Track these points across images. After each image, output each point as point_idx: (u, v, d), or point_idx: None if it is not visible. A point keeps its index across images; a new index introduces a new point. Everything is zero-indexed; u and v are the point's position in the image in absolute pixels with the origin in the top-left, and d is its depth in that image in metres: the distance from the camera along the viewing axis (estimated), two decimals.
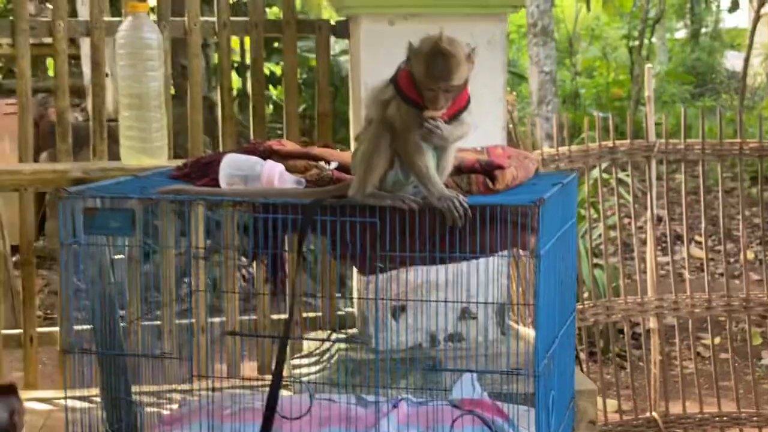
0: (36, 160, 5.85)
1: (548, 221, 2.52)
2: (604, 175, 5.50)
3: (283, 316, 3.98)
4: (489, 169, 2.69)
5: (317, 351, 3.84)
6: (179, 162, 3.09)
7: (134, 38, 3.41)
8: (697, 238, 8.59)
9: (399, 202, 2.47)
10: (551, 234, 2.59)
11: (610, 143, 4.79)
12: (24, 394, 3.93)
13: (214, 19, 3.97)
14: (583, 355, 5.05)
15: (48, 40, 3.90)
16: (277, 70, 10.21)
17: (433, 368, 2.61)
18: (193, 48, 3.95)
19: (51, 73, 8.60)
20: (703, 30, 18.32)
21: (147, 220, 2.97)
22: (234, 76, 9.89)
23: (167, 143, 3.59)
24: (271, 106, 10.00)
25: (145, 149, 3.45)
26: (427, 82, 2.39)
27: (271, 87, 10.10)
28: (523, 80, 14.36)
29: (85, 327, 3.00)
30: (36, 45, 4.67)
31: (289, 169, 2.79)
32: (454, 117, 2.46)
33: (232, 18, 4.00)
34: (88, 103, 4.05)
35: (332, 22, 4.05)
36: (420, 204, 2.47)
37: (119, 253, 3.33)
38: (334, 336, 3.74)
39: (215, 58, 9.32)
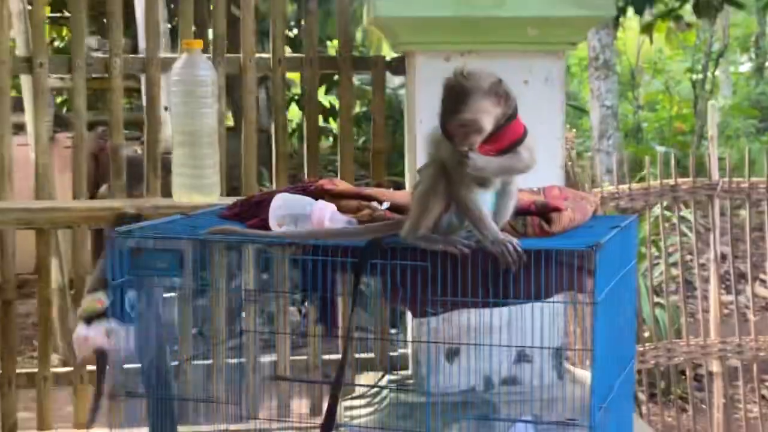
0: (94, 194, 5.88)
1: (605, 265, 2.43)
2: (666, 213, 5.39)
3: (335, 357, 3.91)
4: (545, 211, 2.62)
5: (369, 393, 3.77)
6: (231, 200, 3.05)
7: (188, 75, 3.39)
8: (761, 276, 8.39)
9: (450, 246, 2.40)
10: (609, 279, 2.50)
11: (671, 181, 4.70)
12: None
13: (269, 55, 3.94)
14: (643, 397, 4.94)
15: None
16: (338, 104, 10.22)
17: (485, 418, 2.54)
18: (248, 85, 3.92)
19: None
20: None
21: (203, 255, 2.93)
22: (295, 108, 9.93)
23: (219, 180, 3.55)
24: (330, 139, 9.99)
25: (197, 186, 3.42)
26: (443, 117, 2.33)
27: (331, 120, 10.09)
28: (584, 114, 14.24)
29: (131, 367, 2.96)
30: (97, 78, 4.67)
31: (340, 209, 2.74)
32: (505, 151, 2.38)
33: (287, 54, 3.97)
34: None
35: (388, 59, 4.00)
36: (472, 248, 2.40)
37: (170, 291, 3.30)
38: (385, 381, 3.66)
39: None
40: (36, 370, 3.93)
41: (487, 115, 2.33)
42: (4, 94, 3.83)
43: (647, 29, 10.54)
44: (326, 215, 2.67)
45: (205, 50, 3.56)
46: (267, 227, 2.72)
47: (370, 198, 2.79)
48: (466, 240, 2.44)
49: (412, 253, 2.46)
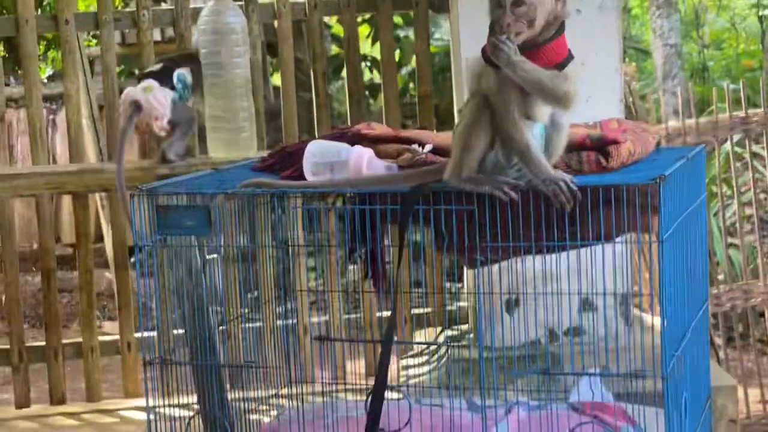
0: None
1: (671, 201, 2.22)
2: (737, 149, 5.12)
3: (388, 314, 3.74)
4: (601, 145, 2.40)
5: (427, 350, 3.59)
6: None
7: (217, 23, 3.20)
8: None
9: (497, 190, 2.18)
10: (676, 215, 2.29)
11: (741, 113, 4.43)
12: (123, 403, 3.80)
13: (304, 0, 3.74)
14: (720, 342, 4.70)
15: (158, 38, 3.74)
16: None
17: (545, 372, 2.34)
18: (283, 33, 3.73)
19: None
20: None
21: (250, 212, 2.76)
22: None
23: (256, 133, 3.37)
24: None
25: (233, 141, 3.24)
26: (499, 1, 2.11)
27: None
28: (647, 56, 13.86)
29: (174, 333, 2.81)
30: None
31: (379, 155, 2.54)
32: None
33: None
34: None
35: None
36: (522, 189, 2.18)
37: (212, 253, 3.14)
38: (443, 337, 3.47)
39: (333, 49, 9.18)
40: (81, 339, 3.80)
41: (543, 6, 2.11)
42: (31, 57, 3.68)
43: None
44: (363, 161, 2.48)
45: None
46: (302, 177, 2.53)
47: (410, 141, 2.59)
48: (516, 180, 2.22)
49: (458, 197, 2.25)
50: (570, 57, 2.18)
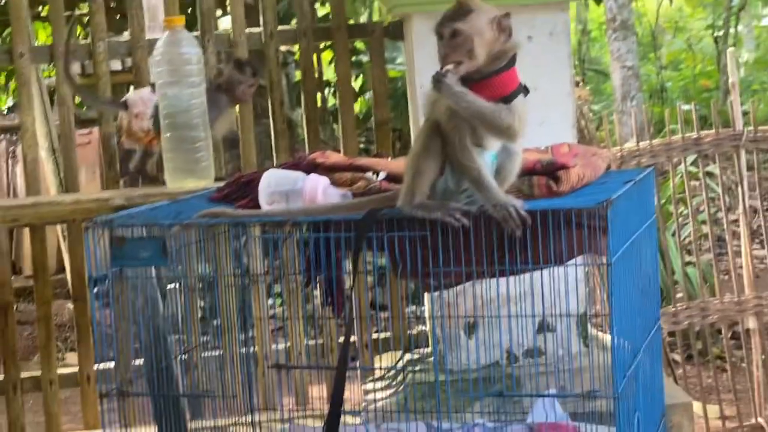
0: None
1: (620, 223, 2.25)
2: (692, 169, 5.19)
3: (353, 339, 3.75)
4: (552, 170, 2.43)
5: (388, 374, 3.61)
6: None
7: (172, 54, 3.21)
8: None
9: (448, 216, 2.21)
10: (625, 237, 2.32)
11: (694, 135, 4.49)
12: None
13: (260, 30, 3.77)
14: (679, 360, 4.75)
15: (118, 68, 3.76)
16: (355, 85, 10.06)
17: (500, 394, 2.37)
18: None
19: None
20: None
21: (209, 242, 2.78)
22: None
23: (213, 163, 3.38)
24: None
25: (190, 170, 3.25)
26: (438, 31, 2.18)
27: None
28: (606, 78, 14.00)
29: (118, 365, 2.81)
30: (113, 73, 4.52)
31: (334, 183, 2.57)
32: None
33: (279, 27, 3.79)
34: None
35: (385, 25, 3.83)
36: (473, 215, 2.21)
37: (172, 283, 3.14)
38: (404, 361, 3.49)
39: (297, 75, 9.22)
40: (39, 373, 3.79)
41: (481, 38, 2.17)
42: None
43: None
44: (318, 190, 2.51)
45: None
46: (258, 206, 2.56)
47: (365, 169, 2.62)
48: (467, 206, 2.25)
49: (412, 223, 2.28)
50: (521, 89, 2.22)
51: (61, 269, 5.93)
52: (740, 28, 15.89)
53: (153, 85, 3.32)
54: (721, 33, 14.63)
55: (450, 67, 2.16)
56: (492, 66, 2.19)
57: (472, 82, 2.18)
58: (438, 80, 2.14)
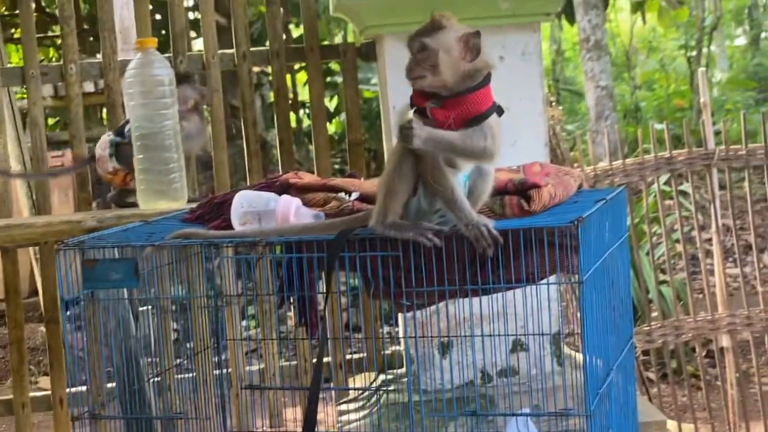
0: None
1: (592, 241, 2.26)
2: (665, 188, 5.21)
3: (327, 360, 3.74)
4: (523, 189, 2.44)
5: (362, 395, 3.60)
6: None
7: (144, 76, 3.21)
8: None
9: (420, 236, 2.21)
10: (596, 255, 2.33)
11: (666, 153, 4.52)
12: None
13: (233, 51, 3.77)
14: (654, 378, 4.76)
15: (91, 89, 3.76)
16: (331, 105, 10.07)
17: (474, 414, 2.36)
18: (213, 83, 3.75)
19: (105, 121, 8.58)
20: (763, 35, 17.85)
21: (182, 263, 2.77)
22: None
23: (186, 184, 3.37)
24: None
25: (163, 192, 3.24)
26: (408, 44, 2.21)
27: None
28: (581, 97, 14.07)
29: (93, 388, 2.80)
30: (87, 94, 4.52)
31: (306, 203, 2.56)
32: (468, 124, 2.20)
33: (252, 48, 3.79)
34: None
35: (357, 46, 3.84)
36: (444, 235, 2.21)
37: (144, 305, 3.12)
38: (376, 383, 3.48)
39: (271, 96, 9.24)
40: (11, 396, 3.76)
41: (447, 54, 2.18)
42: None
43: (638, 7, 10.34)
44: (291, 210, 2.50)
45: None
46: (231, 227, 2.55)
47: (337, 189, 2.62)
48: (440, 226, 2.26)
49: (385, 243, 2.28)
50: (494, 108, 2.23)
51: (35, 292, 5.90)
52: (713, 48, 16.01)
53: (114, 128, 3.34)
54: (694, 53, 14.74)
55: (410, 114, 2.19)
56: (465, 84, 2.20)
57: (448, 99, 2.19)
58: (405, 134, 2.15)
